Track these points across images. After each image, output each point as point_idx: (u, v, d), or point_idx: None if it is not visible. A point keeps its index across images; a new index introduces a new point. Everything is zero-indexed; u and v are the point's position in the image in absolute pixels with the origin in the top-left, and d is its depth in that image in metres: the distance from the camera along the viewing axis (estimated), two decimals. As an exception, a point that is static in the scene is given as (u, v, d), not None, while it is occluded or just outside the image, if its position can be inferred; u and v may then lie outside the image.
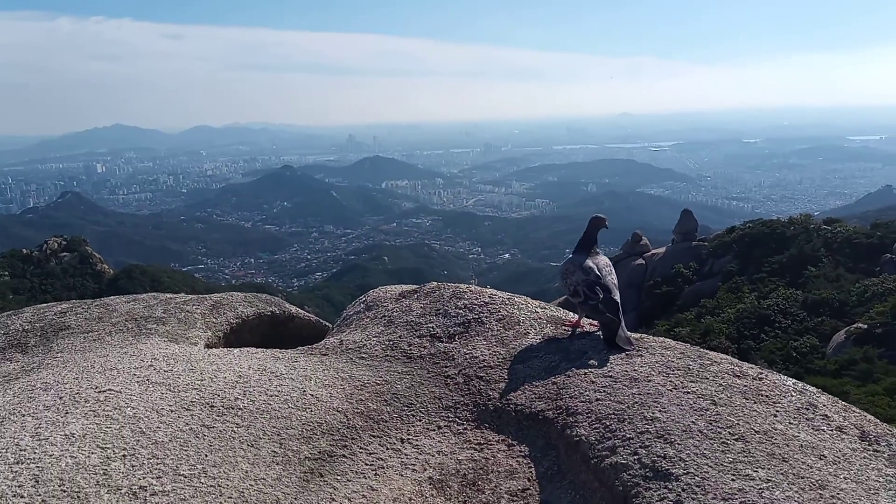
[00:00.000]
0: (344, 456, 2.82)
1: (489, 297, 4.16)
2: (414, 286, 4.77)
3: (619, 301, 3.48)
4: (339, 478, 2.67)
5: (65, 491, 2.16)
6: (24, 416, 2.66)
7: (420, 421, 3.14)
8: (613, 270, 3.69)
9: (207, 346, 4.70)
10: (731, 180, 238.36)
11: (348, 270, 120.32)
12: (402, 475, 2.77)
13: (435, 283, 4.65)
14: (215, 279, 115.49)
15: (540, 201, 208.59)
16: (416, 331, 3.98)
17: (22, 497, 2.08)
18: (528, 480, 2.71)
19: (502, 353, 3.56)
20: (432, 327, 3.97)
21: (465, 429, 3.09)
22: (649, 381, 2.94)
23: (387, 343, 3.90)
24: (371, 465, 2.81)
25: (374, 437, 2.99)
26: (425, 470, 2.81)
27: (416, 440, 3.01)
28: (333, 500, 2.52)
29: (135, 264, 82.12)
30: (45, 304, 5.92)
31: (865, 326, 39.98)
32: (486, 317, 3.94)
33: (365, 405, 3.19)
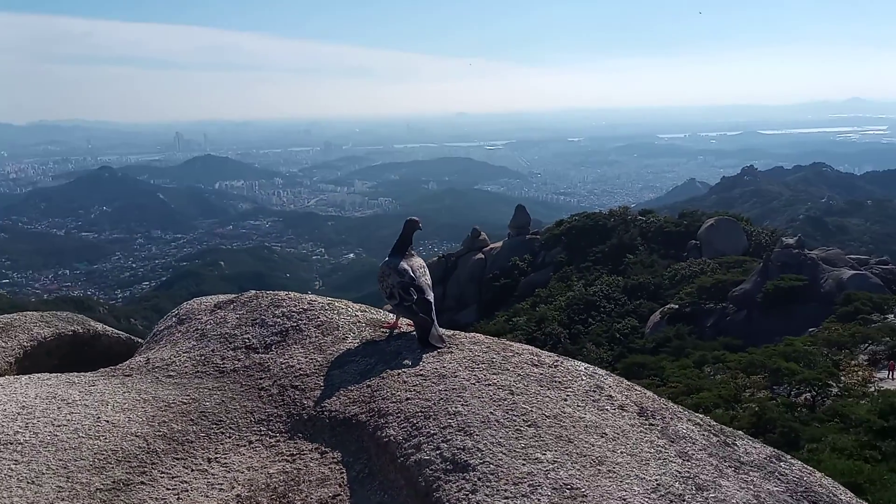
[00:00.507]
0: (142, 483, 2.66)
1: (308, 303, 4.12)
2: (231, 296, 4.59)
3: (432, 301, 3.60)
4: (135, 507, 2.51)
5: None
6: None
7: (230, 438, 3.04)
8: (428, 272, 3.81)
9: (-5, 374, 4.20)
10: (558, 176, 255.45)
11: (180, 278, 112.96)
12: (207, 496, 2.67)
13: (254, 291, 4.51)
14: (24, 294, 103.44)
15: (383, 199, 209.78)
16: (230, 343, 3.85)
17: None
18: (340, 486, 2.73)
19: (319, 359, 3.55)
20: (248, 338, 3.86)
21: (278, 441, 3.04)
22: (456, 376, 3.08)
23: (198, 358, 3.73)
24: (173, 489, 2.68)
25: (177, 459, 2.85)
26: (233, 488, 2.73)
27: (225, 458, 2.91)
28: (128, 532, 2.37)
29: (-81, 282, 71.16)
30: None
31: (677, 307, 44.72)
32: (305, 324, 3.90)
33: (168, 427, 3.03)
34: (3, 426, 2.80)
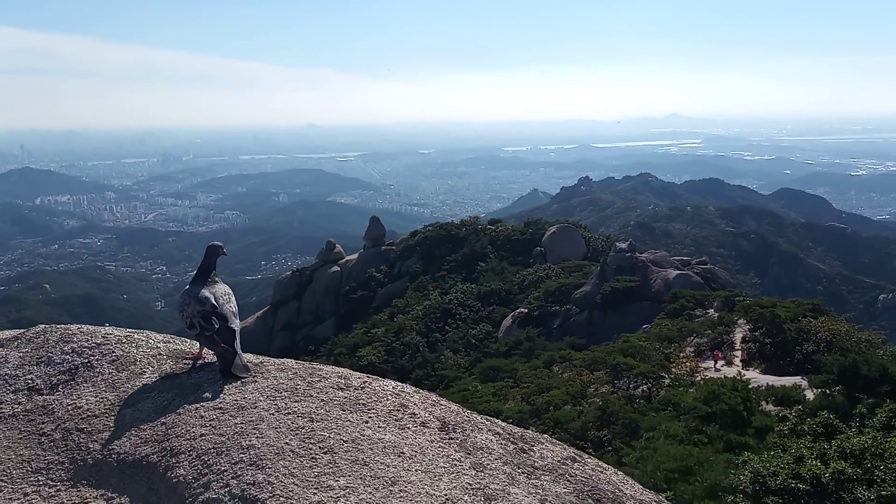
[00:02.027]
0: None
1: (103, 336, 3.83)
2: (16, 332, 4.16)
3: (236, 329, 3.50)
4: None
5: None
6: None
7: (1, 492, 2.75)
8: (233, 298, 3.69)
9: None
10: (411, 188, 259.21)
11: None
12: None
13: (43, 326, 4.12)
14: None
15: (230, 213, 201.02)
16: (10, 385, 3.48)
17: None
18: (123, 535, 2.56)
19: (111, 398, 3.31)
20: (31, 378, 3.51)
21: (59, 490, 2.79)
22: (255, 406, 3.01)
23: (-31, 405, 3.33)
24: (-80, 561, 2.37)
25: (-70, 524, 2.53)
26: (-1, 550, 2.47)
27: (-9, 517, 2.63)
28: None
29: None
30: None
31: (526, 310, 46.87)
32: (98, 359, 3.62)
33: (-79, 488, 2.68)
34: None
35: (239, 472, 2.54)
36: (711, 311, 36.76)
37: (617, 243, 51.12)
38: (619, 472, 3.72)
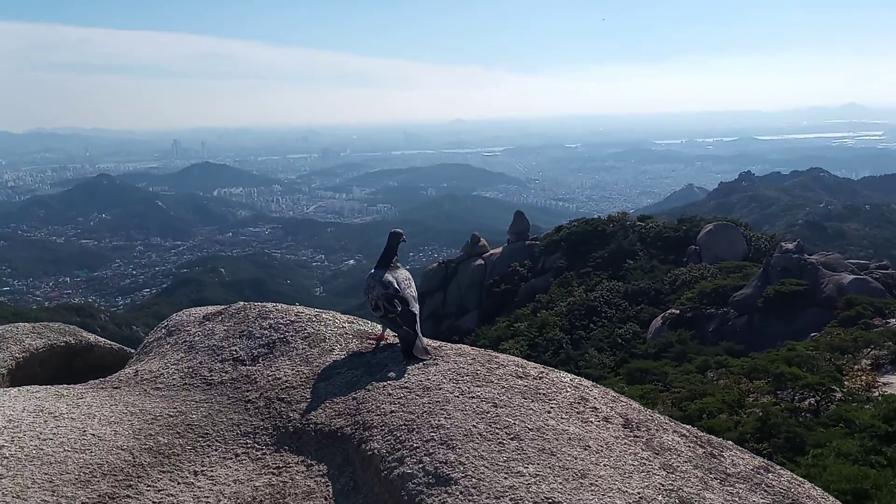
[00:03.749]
0: (128, 496, 2.67)
1: (296, 314, 4.13)
2: (220, 307, 4.61)
3: (416, 313, 3.62)
4: (119, 521, 2.52)
5: None
6: None
7: (216, 451, 3.05)
8: (413, 283, 3.83)
9: (-14, 386, 4.21)
10: (556, 182, 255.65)
11: (181, 285, 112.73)
12: (192, 510, 2.68)
13: (242, 303, 4.53)
14: (24, 302, 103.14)
15: (382, 206, 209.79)
16: (217, 355, 3.86)
17: None
18: (325, 499, 2.74)
19: (306, 371, 3.56)
20: (235, 350, 3.87)
21: (265, 454, 3.05)
22: (440, 388, 3.09)
23: (186, 370, 3.74)
24: (159, 502, 2.69)
25: (163, 472, 2.86)
26: (219, 501, 2.74)
27: (211, 471, 2.92)
28: (111, 546, 2.38)
29: (-82, 291, 71.03)
30: None
31: (678, 312, 44.71)
32: (292, 336, 3.91)
33: (155, 440, 3.04)
34: (-11, 440, 2.82)
35: (431, 450, 2.62)
36: (893, 320, 33.04)
37: (783, 243, 47.19)
38: (816, 488, 3.41)
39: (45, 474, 2.65)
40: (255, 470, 2.94)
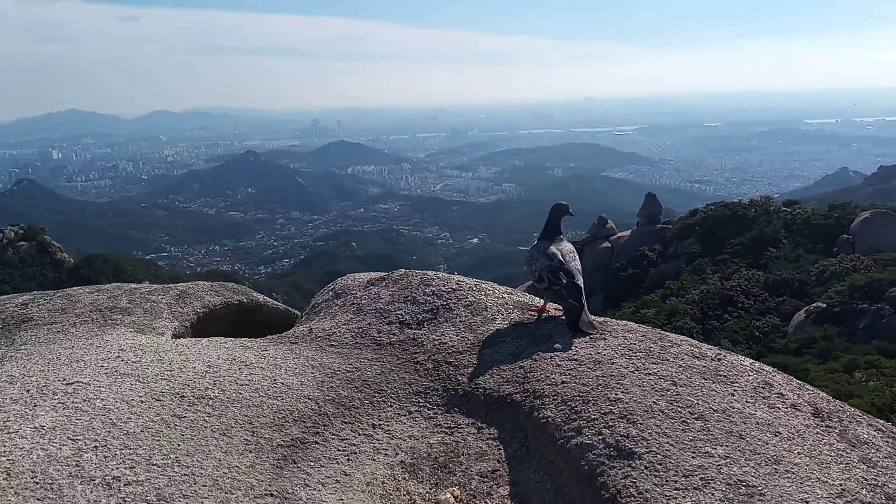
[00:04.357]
0: (316, 442, 2.86)
1: (457, 283, 4.21)
2: (382, 273, 4.79)
3: (581, 286, 3.57)
4: (312, 464, 2.71)
5: (37, 483, 2.15)
6: (-11, 410, 2.63)
7: (391, 407, 3.19)
8: (577, 256, 3.77)
9: (175, 336, 4.66)
10: (693, 163, 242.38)
11: (316, 257, 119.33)
12: (374, 460, 2.82)
13: (403, 270, 4.68)
14: (179, 267, 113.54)
15: (507, 186, 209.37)
16: (384, 318, 4.02)
17: (-8, 491, 2.07)
18: (498, 462, 2.79)
19: (470, 338, 3.63)
20: (401, 314, 4.01)
21: (436, 413, 3.15)
22: (612, 363, 3.03)
23: (356, 331, 3.93)
24: (343, 450, 2.85)
25: (345, 423, 3.03)
26: (397, 454, 2.87)
27: (388, 425, 3.06)
28: (307, 485, 2.56)
29: (96, 253, 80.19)
30: (5, 296, 5.78)
31: (824, 306, 41.23)
32: (454, 303, 4.00)
33: (336, 392, 3.23)
34: (194, 382, 3.11)
35: (610, 423, 2.58)
36: None
37: (958, 235, 42.08)
38: None
39: (245, 416, 2.89)
40: (428, 427, 3.05)
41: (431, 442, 2.94)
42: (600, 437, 2.53)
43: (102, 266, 70.53)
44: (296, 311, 5.92)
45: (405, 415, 3.14)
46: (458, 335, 3.68)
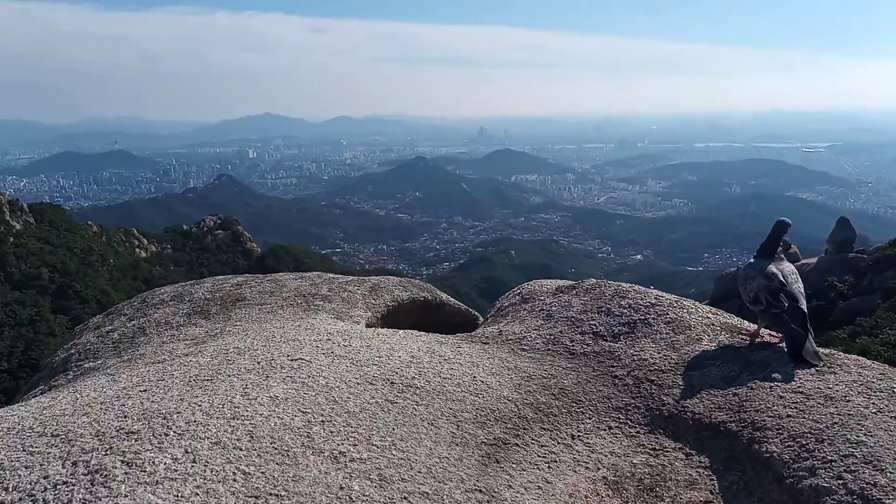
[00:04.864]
0: (517, 445, 2.85)
1: (655, 297, 4.03)
2: (571, 282, 4.72)
3: (806, 311, 3.25)
4: (514, 466, 2.70)
5: (275, 448, 2.35)
6: (229, 376, 2.92)
7: (590, 419, 3.11)
8: (800, 279, 3.45)
9: (367, 325, 4.92)
10: (895, 187, 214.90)
11: (475, 262, 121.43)
12: (575, 471, 2.76)
13: (594, 280, 4.58)
14: (350, 263, 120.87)
15: (677, 201, 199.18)
16: (577, 327, 3.94)
17: (240, 449, 2.29)
18: (711, 493, 2.61)
19: (674, 357, 3.44)
20: (595, 325, 3.91)
21: (638, 432, 3.02)
22: (848, 401, 2.72)
23: (547, 337, 3.89)
24: (544, 457, 2.82)
25: (544, 429, 3.00)
26: (598, 469, 2.79)
27: (587, 438, 2.98)
28: (511, 487, 2.55)
29: (280, 245, 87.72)
30: (222, 277, 6.47)
31: None
32: (653, 318, 3.82)
33: (534, 397, 3.21)
34: (401, 370, 3.25)
35: (852, 468, 2.31)
36: None
37: None
38: None
39: (450, 409, 2.96)
40: (630, 446, 2.93)
41: (635, 462, 2.82)
42: (840, 482, 2.27)
43: (284, 257, 76.99)
44: (475, 313, 6.02)
45: (605, 429, 3.05)
46: (659, 352, 3.51)
